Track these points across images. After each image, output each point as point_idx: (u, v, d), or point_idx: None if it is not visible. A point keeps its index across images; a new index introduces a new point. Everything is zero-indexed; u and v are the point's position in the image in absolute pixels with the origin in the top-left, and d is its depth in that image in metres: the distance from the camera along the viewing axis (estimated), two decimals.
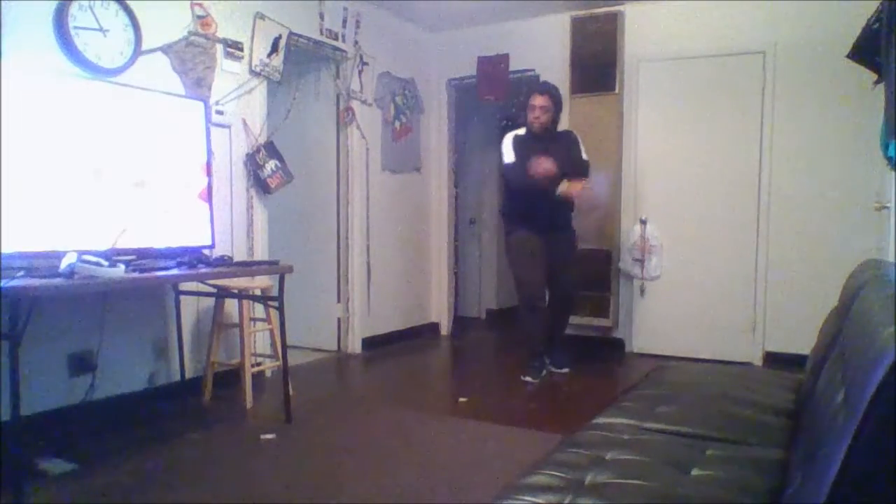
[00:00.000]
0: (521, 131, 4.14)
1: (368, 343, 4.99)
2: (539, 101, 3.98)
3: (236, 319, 3.56)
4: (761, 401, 2.05)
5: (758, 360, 4.50)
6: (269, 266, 3.26)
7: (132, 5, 3.19)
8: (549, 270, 4.11)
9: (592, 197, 4.27)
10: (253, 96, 3.97)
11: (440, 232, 5.74)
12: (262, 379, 3.97)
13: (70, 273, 2.31)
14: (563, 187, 3.92)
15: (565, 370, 4.29)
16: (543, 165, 3.81)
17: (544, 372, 4.21)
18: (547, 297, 4.24)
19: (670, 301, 4.78)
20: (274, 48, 4.05)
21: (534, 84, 4.42)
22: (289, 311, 3.31)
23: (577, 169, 4.04)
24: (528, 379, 4.10)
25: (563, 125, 4.92)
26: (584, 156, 4.13)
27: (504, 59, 5.27)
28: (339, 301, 4.91)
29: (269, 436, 3.02)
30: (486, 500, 1.44)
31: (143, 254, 2.92)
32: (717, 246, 4.62)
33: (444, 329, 5.76)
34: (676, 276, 4.75)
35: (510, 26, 5.26)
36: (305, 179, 4.56)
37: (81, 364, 3.11)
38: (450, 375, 4.80)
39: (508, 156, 4.04)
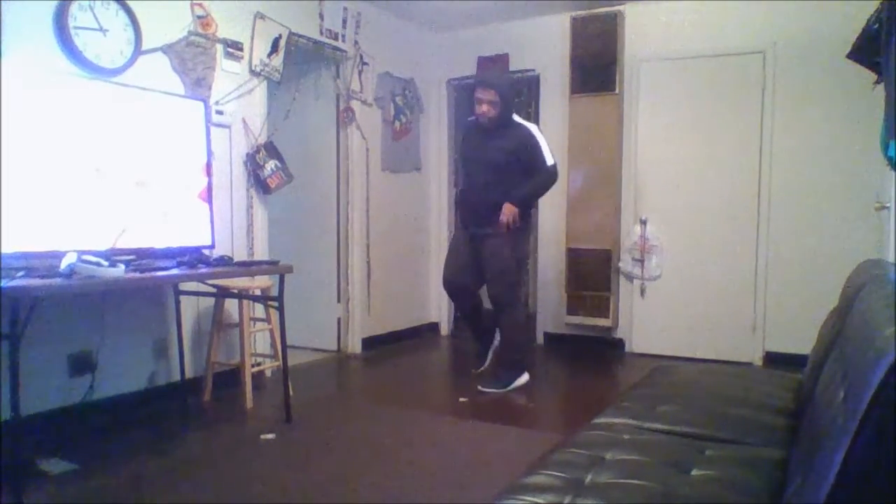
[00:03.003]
0: (473, 119, 3.95)
1: (368, 343, 4.99)
2: (484, 94, 3.68)
3: (236, 319, 3.56)
4: (761, 401, 2.05)
5: (758, 360, 4.50)
6: (269, 266, 3.26)
7: (132, 5, 3.20)
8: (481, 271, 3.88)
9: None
10: (253, 96, 3.97)
11: (440, 232, 5.74)
12: (262, 379, 3.97)
13: (70, 273, 2.31)
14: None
15: (489, 389, 3.84)
16: (506, 218, 3.69)
17: (485, 365, 4.12)
18: (471, 295, 4.01)
19: (670, 301, 4.78)
20: (274, 48, 4.05)
21: (480, 77, 4.02)
22: (289, 311, 3.30)
23: (539, 181, 3.79)
24: (473, 370, 4.20)
25: (562, 125, 4.95)
26: (550, 161, 3.75)
27: (504, 59, 5.27)
28: (339, 301, 4.91)
29: (269, 436, 3.02)
30: (486, 500, 1.44)
31: (143, 254, 2.92)
32: (717, 246, 4.62)
33: (444, 329, 5.77)
34: (676, 276, 4.75)
35: (510, 26, 5.26)
36: (305, 179, 4.56)
37: (81, 364, 3.11)
38: (450, 375, 4.79)
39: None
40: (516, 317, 3.90)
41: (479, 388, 3.88)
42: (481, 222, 3.81)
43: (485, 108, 3.71)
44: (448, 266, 4.00)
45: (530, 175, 3.77)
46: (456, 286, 3.98)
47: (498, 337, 4.09)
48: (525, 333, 3.97)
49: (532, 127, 3.87)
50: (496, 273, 3.80)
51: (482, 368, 4.18)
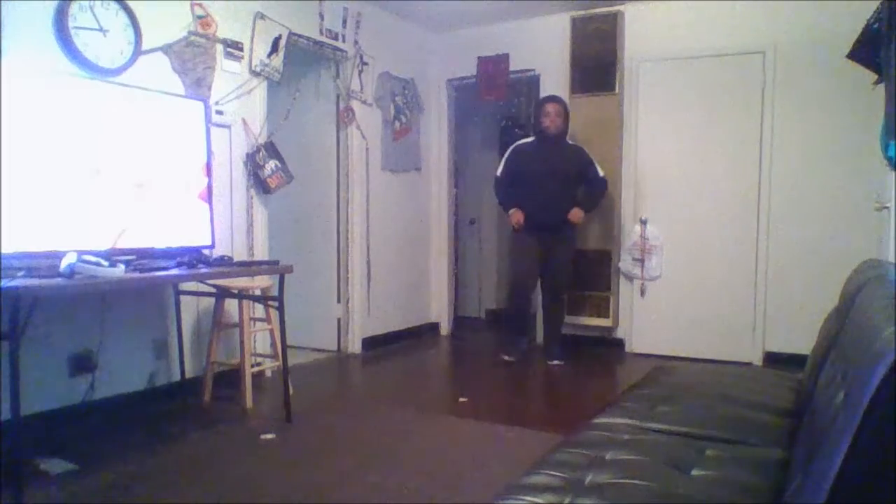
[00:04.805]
0: (528, 140, 4.61)
1: (368, 343, 4.99)
2: (553, 107, 4.44)
3: (236, 319, 3.56)
4: (761, 401, 2.05)
5: (758, 360, 4.50)
6: (269, 266, 3.26)
7: (132, 5, 3.19)
8: (543, 267, 4.54)
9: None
10: (253, 96, 3.97)
11: (440, 232, 5.74)
12: (262, 379, 3.97)
13: (70, 273, 2.31)
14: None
15: (556, 362, 4.54)
16: (515, 218, 4.48)
17: (523, 350, 4.71)
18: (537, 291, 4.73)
19: (670, 301, 4.78)
20: (274, 48, 4.05)
21: (549, 95, 4.74)
22: (289, 311, 3.30)
23: (593, 193, 4.53)
24: (506, 357, 4.64)
25: None
26: (601, 173, 4.50)
27: (504, 59, 5.27)
28: (339, 301, 4.91)
29: (269, 436, 3.02)
30: (486, 500, 1.44)
31: (143, 254, 2.92)
32: (717, 246, 4.62)
33: (444, 329, 5.77)
34: (676, 276, 4.75)
35: (510, 26, 5.26)
36: (305, 179, 4.56)
37: (81, 364, 3.11)
38: (450, 375, 4.79)
39: (500, 168, 4.64)
40: (565, 301, 4.78)
41: (550, 362, 4.56)
42: (552, 227, 4.43)
43: (552, 118, 4.41)
44: (520, 268, 4.63)
45: (583, 184, 4.52)
46: (527, 287, 4.61)
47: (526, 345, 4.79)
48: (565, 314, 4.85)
49: (582, 146, 4.57)
50: (564, 269, 4.58)
51: (511, 358, 4.65)
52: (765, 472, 1.48)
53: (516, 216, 4.47)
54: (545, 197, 4.39)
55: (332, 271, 4.89)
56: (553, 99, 4.53)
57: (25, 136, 2.54)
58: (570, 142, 4.58)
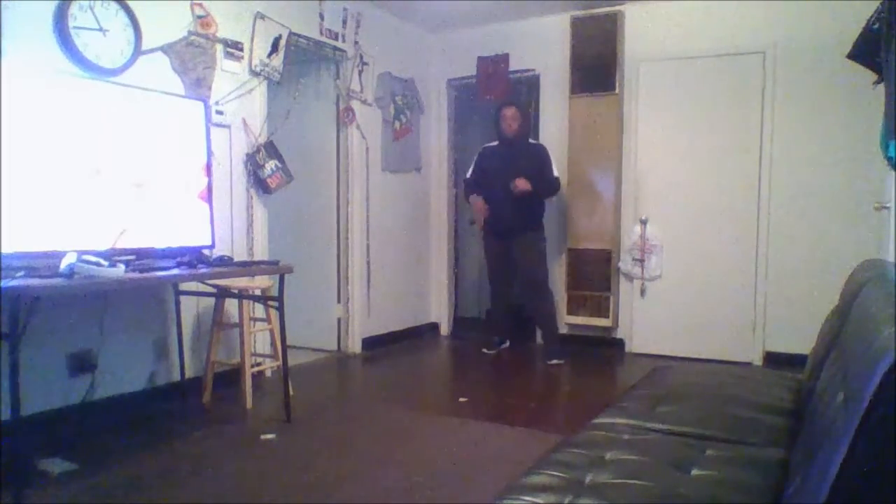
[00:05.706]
0: (493, 143, 4.75)
1: (368, 343, 4.99)
2: (509, 111, 4.61)
3: (236, 319, 3.56)
4: (761, 401, 2.05)
5: (758, 360, 4.50)
6: (269, 266, 3.26)
7: (132, 5, 3.19)
8: (515, 267, 4.68)
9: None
10: (253, 96, 3.97)
11: (440, 232, 5.74)
12: (262, 379, 3.97)
13: (70, 273, 2.31)
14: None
15: (554, 361, 4.57)
16: (520, 187, 4.46)
17: (503, 345, 5.00)
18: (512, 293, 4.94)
19: (670, 301, 4.78)
20: (274, 48, 4.05)
21: (506, 99, 4.99)
22: (289, 311, 3.30)
23: (545, 186, 4.57)
24: (485, 350, 4.95)
25: (562, 125, 4.98)
26: (556, 173, 4.63)
27: (504, 59, 5.27)
28: (339, 301, 4.91)
29: (269, 436, 3.02)
30: (486, 500, 1.44)
31: (143, 254, 2.92)
32: (717, 246, 4.62)
33: (444, 329, 5.77)
34: (676, 276, 4.75)
35: (510, 26, 5.26)
36: (305, 179, 4.56)
37: (81, 364, 3.11)
38: (450, 375, 4.79)
39: (469, 170, 4.83)
40: (550, 299, 4.76)
41: (549, 362, 4.59)
42: (516, 229, 4.54)
43: (508, 121, 4.58)
44: (493, 272, 4.86)
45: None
46: (500, 286, 4.86)
47: (508, 342, 5.05)
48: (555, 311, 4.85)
49: (543, 145, 4.74)
50: (535, 269, 4.62)
51: (491, 351, 4.94)
52: (765, 472, 1.48)
53: (477, 203, 4.62)
54: (507, 197, 4.48)
55: (332, 271, 4.89)
56: (509, 104, 4.73)
57: (26, 136, 2.54)
58: (533, 141, 4.79)
